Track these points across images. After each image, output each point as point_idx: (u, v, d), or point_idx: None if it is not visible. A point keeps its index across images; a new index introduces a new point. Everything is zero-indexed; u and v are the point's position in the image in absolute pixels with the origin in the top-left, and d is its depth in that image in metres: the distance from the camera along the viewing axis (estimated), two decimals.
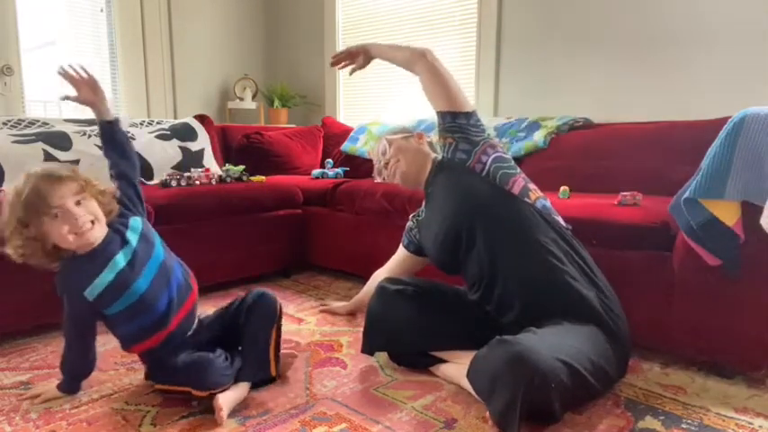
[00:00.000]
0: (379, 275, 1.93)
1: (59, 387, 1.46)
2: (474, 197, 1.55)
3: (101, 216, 1.34)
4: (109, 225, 1.39)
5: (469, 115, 1.64)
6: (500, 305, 1.50)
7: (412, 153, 1.77)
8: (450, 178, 1.64)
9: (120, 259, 1.36)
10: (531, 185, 1.62)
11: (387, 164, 1.80)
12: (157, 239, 1.49)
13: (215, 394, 1.34)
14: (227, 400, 1.35)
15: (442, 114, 1.66)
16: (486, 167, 1.58)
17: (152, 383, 1.48)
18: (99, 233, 1.34)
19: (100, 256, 1.35)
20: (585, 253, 1.54)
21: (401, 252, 1.94)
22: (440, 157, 1.72)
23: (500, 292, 1.49)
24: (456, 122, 1.63)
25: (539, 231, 1.49)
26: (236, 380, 1.42)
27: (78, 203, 1.30)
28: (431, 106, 1.70)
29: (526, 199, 1.55)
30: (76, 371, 1.47)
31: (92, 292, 1.34)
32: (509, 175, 1.58)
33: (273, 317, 1.53)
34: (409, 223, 1.92)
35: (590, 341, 1.34)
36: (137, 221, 1.46)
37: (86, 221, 1.30)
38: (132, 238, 1.41)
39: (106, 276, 1.34)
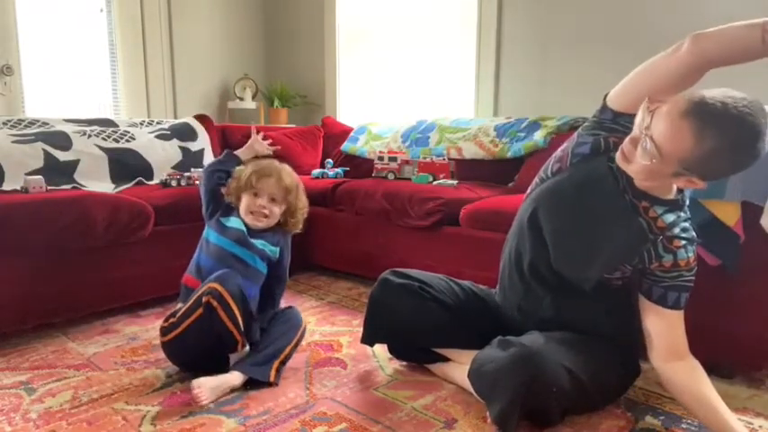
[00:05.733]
0: None
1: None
2: None
3: (274, 218, 1.67)
4: (272, 230, 1.70)
5: None
6: (533, 297, 1.44)
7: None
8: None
9: (256, 241, 1.67)
10: None
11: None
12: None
13: (216, 295, 1.41)
14: (206, 383, 1.40)
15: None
16: None
17: (167, 326, 1.53)
18: (262, 225, 1.66)
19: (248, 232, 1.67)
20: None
21: None
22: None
23: (543, 286, 1.42)
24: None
25: None
26: (232, 368, 1.47)
27: (272, 201, 1.66)
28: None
29: None
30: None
31: (226, 221, 1.66)
32: None
33: (296, 332, 1.62)
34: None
35: (602, 359, 1.32)
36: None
37: (263, 211, 1.64)
38: (264, 248, 1.68)
39: (238, 224, 1.65)
